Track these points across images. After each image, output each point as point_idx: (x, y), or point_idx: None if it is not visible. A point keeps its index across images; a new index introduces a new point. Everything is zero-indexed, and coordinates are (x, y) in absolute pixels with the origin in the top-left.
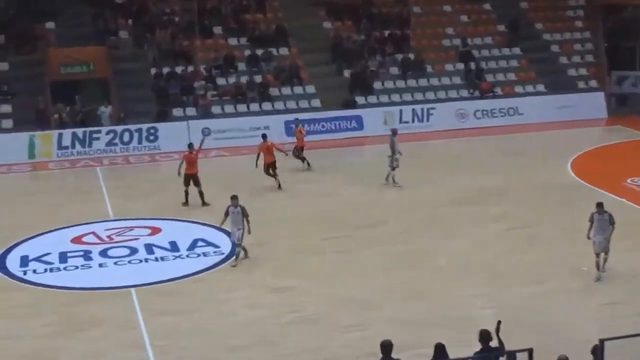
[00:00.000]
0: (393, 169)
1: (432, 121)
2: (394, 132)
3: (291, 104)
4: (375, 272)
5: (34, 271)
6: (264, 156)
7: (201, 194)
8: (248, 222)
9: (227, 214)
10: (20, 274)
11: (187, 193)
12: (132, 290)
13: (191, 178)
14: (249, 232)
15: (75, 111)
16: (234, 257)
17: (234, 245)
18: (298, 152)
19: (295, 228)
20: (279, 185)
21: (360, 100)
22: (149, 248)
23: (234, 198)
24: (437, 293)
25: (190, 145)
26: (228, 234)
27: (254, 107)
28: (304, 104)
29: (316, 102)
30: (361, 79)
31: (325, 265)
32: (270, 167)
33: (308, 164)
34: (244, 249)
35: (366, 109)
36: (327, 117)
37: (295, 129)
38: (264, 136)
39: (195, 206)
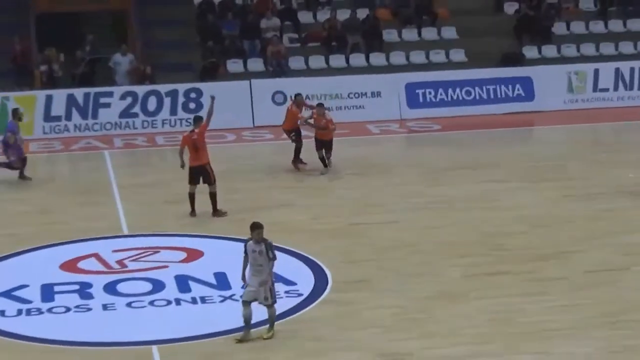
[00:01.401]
0: None
1: None
2: None
3: (418, 57)
4: (551, 334)
5: (2, 313)
6: (290, 121)
7: (213, 197)
8: (270, 269)
9: (246, 252)
10: None
11: (192, 197)
12: (154, 349)
13: (200, 173)
14: (271, 286)
15: (76, 61)
16: (269, 326)
17: (246, 304)
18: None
19: (421, 257)
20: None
21: (530, 52)
22: (183, 282)
23: (256, 228)
24: None
25: (197, 120)
26: (307, 261)
27: (357, 60)
28: (438, 57)
29: (459, 55)
30: (533, 20)
31: (467, 319)
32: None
33: (325, 164)
34: (272, 318)
35: (541, 67)
36: (477, 79)
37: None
38: (297, 97)
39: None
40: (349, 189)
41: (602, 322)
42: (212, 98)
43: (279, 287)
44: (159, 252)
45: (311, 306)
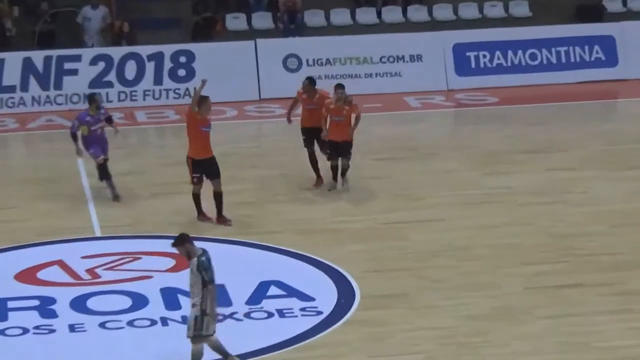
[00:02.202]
0: None
1: None
2: None
3: (469, 10)
4: None
5: None
6: (303, 113)
7: (218, 198)
8: (205, 294)
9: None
10: None
11: (197, 198)
12: None
13: (203, 168)
14: (213, 315)
15: (35, 16)
16: None
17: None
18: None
19: (473, 265)
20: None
21: (613, 4)
22: (171, 297)
23: (180, 242)
24: None
25: (208, 99)
26: (328, 270)
27: (392, 14)
28: (495, 10)
29: (521, 8)
30: None
31: (530, 342)
32: (312, 138)
33: (342, 174)
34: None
35: (626, 24)
36: (544, 38)
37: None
38: (309, 82)
39: (255, 216)
40: (380, 179)
41: None
42: (203, 82)
43: (293, 303)
44: (140, 258)
45: (333, 327)
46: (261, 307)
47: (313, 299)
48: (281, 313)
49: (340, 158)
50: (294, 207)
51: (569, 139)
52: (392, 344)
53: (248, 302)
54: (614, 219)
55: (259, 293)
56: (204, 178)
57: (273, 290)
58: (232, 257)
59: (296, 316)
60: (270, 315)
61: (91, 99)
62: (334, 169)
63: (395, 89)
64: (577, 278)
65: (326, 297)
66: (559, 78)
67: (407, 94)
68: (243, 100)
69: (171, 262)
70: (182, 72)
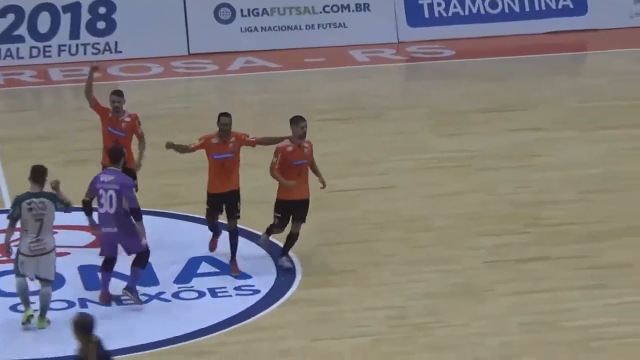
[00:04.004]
0: None
1: None
2: None
3: None
4: (609, 344)
5: None
6: (211, 170)
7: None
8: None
9: (15, 217)
10: None
11: None
12: None
13: None
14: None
15: None
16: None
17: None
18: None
19: (428, 236)
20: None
21: None
22: (90, 276)
23: (36, 178)
24: None
25: (118, 94)
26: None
27: None
28: None
29: None
30: None
31: (490, 323)
32: (221, 206)
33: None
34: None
35: None
36: None
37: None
38: (223, 119)
39: (187, 185)
40: (325, 142)
41: None
42: (93, 69)
43: (226, 282)
44: (55, 232)
45: (272, 308)
46: (191, 286)
47: (249, 277)
48: (214, 292)
49: (292, 221)
50: None
51: (535, 96)
52: (337, 325)
53: (177, 281)
54: (586, 184)
55: (189, 270)
56: None
57: (204, 267)
58: (158, 230)
59: (230, 296)
60: (201, 294)
61: (119, 152)
62: (268, 244)
63: (340, 41)
64: (543, 251)
65: (264, 274)
66: (522, 28)
67: (353, 47)
68: (170, 56)
69: (90, 238)
70: (101, 25)
